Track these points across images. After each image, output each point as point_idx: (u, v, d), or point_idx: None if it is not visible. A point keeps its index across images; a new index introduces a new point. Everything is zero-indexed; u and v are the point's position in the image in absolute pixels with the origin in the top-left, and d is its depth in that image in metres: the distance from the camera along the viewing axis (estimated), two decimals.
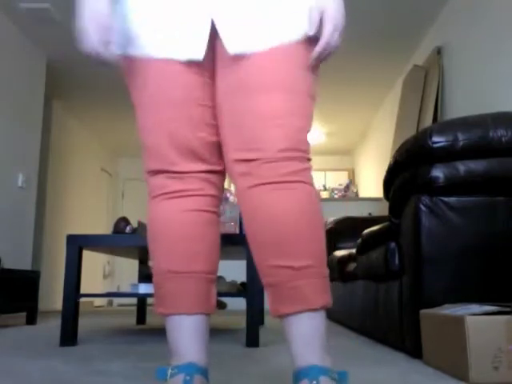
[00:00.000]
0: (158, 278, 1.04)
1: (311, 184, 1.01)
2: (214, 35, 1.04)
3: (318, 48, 1.00)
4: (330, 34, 0.99)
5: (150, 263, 1.17)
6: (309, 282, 0.96)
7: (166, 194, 1.05)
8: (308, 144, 1.03)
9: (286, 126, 0.98)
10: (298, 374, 0.93)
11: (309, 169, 1.02)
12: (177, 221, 1.03)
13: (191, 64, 1.03)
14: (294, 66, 1.00)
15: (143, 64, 1.04)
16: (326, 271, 1.00)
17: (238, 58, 1.00)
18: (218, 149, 1.08)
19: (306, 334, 0.95)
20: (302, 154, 1.00)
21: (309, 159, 1.03)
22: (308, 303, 0.96)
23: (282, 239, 0.97)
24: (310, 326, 0.96)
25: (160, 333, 2.73)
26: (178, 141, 1.04)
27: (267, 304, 1.02)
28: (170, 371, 0.96)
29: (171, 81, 1.02)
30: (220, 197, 1.11)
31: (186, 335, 0.99)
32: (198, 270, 1.02)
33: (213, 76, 1.07)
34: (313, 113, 1.06)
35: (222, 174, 1.11)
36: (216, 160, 1.08)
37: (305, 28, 1.01)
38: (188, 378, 0.93)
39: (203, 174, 1.07)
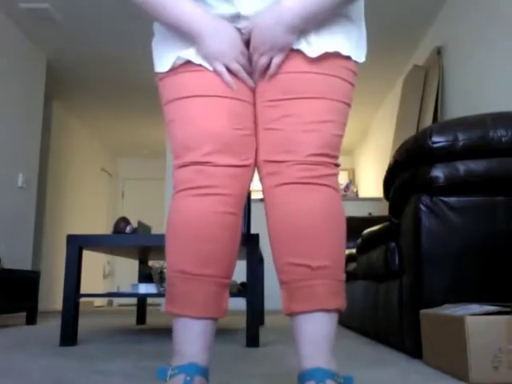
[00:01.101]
0: (171, 275, 1.00)
1: (336, 189, 1.04)
2: None
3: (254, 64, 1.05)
4: (255, 55, 1.02)
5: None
6: (324, 282, 0.97)
7: (190, 189, 1.00)
8: (339, 150, 1.06)
9: (323, 131, 1.01)
10: (304, 375, 0.93)
11: (336, 174, 1.05)
12: (196, 221, 0.99)
13: None
14: (336, 74, 1.03)
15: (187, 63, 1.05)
16: (343, 275, 1.01)
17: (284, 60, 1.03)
18: (252, 145, 1.06)
19: (316, 335, 0.95)
20: (332, 159, 1.03)
21: (337, 165, 1.06)
22: (321, 303, 0.96)
23: (301, 237, 0.98)
24: (321, 326, 0.96)
25: (160, 333, 2.73)
26: (215, 133, 1.02)
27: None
28: (170, 371, 0.95)
29: (214, 74, 1.03)
30: (245, 194, 1.06)
31: (192, 338, 0.97)
32: (212, 274, 0.98)
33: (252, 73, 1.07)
34: (347, 119, 1.10)
35: (250, 168, 1.06)
36: (247, 155, 1.05)
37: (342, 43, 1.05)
38: (188, 378, 0.92)
39: (232, 169, 1.02)
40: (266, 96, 1.04)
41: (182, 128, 1.05)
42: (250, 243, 2.19)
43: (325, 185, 1.01)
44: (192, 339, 0.97)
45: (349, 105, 1.07)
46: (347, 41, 1.04)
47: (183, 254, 0.99)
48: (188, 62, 1.03)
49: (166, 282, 1.03)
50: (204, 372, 0.95)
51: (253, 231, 2.95)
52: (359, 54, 1.07)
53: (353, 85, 1.08)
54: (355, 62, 1.07)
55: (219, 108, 1.02)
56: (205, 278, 0.98)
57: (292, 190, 1.00)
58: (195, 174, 1.01)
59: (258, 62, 1.03)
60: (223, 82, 1.03)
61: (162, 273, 2.58)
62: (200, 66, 1.03)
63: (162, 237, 2.23)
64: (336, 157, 1.05)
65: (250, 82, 1.05)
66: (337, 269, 0.99)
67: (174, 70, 1.05)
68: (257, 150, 1.06)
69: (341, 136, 1.06)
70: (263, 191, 1.06)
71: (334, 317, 0.98)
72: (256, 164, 1.07)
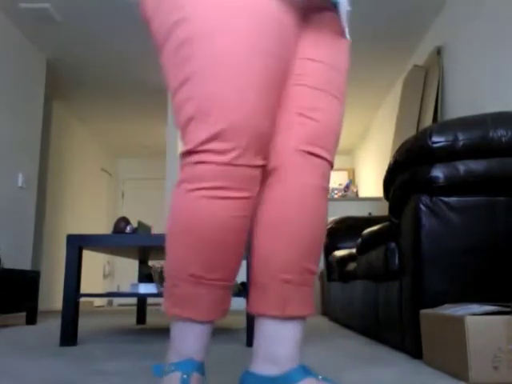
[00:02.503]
0: (176, 274, 0.92)
1: None
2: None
3: None
4: None
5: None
6: (312, 288, 1.01)
7: (211, 189, 0.88)
8: None
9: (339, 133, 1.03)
10: (295, 374, 0.94)
11: None
12: (213, 226, 0.89)
13: None
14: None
15: None
16: None
17: (336, 39, 1.00)
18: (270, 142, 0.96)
19: (299, 338, 0.98)
20: None
21: None
22: (312, 309, 1.00)
23: (316, 242, 0.99)
24: (302, 330, 0.99)
25: (160, 333, 2.73)
26: (258, 121, 0.88)
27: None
28: (166, 368, 0.93)
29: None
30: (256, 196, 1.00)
31: (193, 339, 0.94)
32: (221, 278, 0.93)
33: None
34: None
35: (264, 169, 0.99)
36: (268, 154, 0.97)
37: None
38: (185, 376, 0.90)
39: (259, 171, 0.92)
40: (311, 74, 0.97)
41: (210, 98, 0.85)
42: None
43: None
44: (192, 340, 0.94)
45: None
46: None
47: (194, 257, 0.91)
48: None
49: (165, 281, 0.97)
50: (201, 367, 0.95)
51: None
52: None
53: None
54: None
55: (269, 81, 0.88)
56: (214, 282, 0.92)
57: (320, 195, 0.99)
58: (220, 173, 0.87)
59: None
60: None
61: (161, 273, 2.58)
62: None
63: (162, 237, 2.23)
64: None
65: None
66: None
67: None
68: (285, 137, 0.97)
69: None
70: (288, 183, 0.97)
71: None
72: (276, 153, 0.98)
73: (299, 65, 0.98)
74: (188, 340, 0.94)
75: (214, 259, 0.91)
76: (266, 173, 1.00)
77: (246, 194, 0.90)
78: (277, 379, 0.94)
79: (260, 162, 0.91)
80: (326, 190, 1.02)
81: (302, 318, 0.99)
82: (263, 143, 0.90)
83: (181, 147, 0.91)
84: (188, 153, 0.89)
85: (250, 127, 0.86)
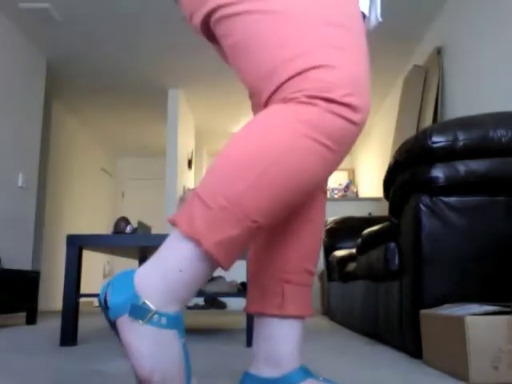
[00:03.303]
0: (234, 211, 0.74)
1: None
2: None
3: None
4: None
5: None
6: (311, 289, 1.02)
7: (322, 145, 0.77)
8: None
9: None
10: (296, 375, 0.94)
11: None
12: (309, 175, 0.77)
13: None
14: None
15: None
16: None
17: None
18: None
19: (299, 339, 0.98)
20: None
21: None
22: (310, 310, 1.00)
23: (315, 245, 1.01)
24: (302, 331, 0.99)
25: None
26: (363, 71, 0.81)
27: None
28: (150, 313, 0.72)
29: None
30: None
31: (199, 283, 0.77)
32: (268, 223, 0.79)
33: None
34: None
35: None
36: None
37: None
38: (184, 340, 0.76)
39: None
40: None
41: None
42: None
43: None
44: (199, 283, 0.77)
45: None
46: None
47: (268, 201, 0.76)
48: None
49: (208, 199, 0.75)
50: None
51: None
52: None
53: None
54: None
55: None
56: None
57: (316, 199, 1.05)
58: (346, 133, 0.77)
59: None
60: None
61: None
62: None
63: (162, 237, 2.23)
64: None
65: None
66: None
67: None
68: None
69: None
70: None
71: None
72: None
73: None
74: (195, 283, 0.76)
75: (284, 209, 0.78)
76: None
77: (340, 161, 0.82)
78: (277, 381, 0.94)
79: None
80: (324, 193, 1.05)
81: (301, 317, 0.98)
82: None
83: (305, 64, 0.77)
84: (329, 100, 0.76)
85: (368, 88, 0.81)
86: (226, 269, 0.76)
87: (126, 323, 0.72)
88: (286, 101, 0.77)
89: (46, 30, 4.38)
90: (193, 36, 4.54)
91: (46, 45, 4.66)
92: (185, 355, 0.75)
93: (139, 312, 0.72)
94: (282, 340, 0.96)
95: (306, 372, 0.95)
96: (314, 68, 0.76)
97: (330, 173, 0.81)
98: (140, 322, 0.72)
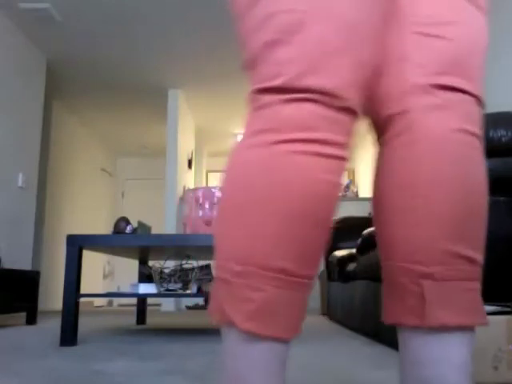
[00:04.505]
0: (254, 270, 0.58)
1: None
2: None
3: None
4: None
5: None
6: (479, 287, 0.66)
7: (306, 142, 0.59)
8: None
9: None
10: None
11: None
12: (303, 191, 0.59)
13: None
14: None
15: None
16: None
17: None
18: None
19: (463, 360, 0.63)
20: None
21: None
22: (483, 316, 0.65)
23: (473, 214, 0.65)
24: (471, 348, 0.65)
25: (160, 333, 2.73)
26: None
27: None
28: None
29: None
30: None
31: (276, 367, 0.60)
32: (312, 274, 0.62)
33: None
34: None
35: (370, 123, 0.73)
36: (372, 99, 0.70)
37: None
38: None
39: (354, 120, 0.63)
40: None
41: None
42: None
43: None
44: (273, 368, 0.60)
45: None
46: None
47: (283, 242, 0.58)
48: None
49: (224, 278, 0.61)
50: None
51: None
52: None
53: None
54: None
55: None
56: (307, 281, 0.62)
57: (465, 143, 0.65)
58: (322, 119, 0.59)
59: None
60: None
61: (162, 273, 2.58)
62: None
63: (162, 237, 2.23)
64: None
65: None
66: (481, 269, 0.67)
67: None
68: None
69: None
70: (429, 134, 0.65)
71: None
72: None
73: None
74: (265, 370, 0.59)
75: (308, 245, 0.60)
76: (380, 127, 0.71)
77: (345, 154, 0.62)
78: None
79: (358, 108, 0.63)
80: (477, 137, 0.67)
81: (460, 328, 0.64)
82: (364, 80, 0.63)
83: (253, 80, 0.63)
84: (273, 90, 0.60)
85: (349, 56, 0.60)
86: (286, 339, 0.60)
87: None
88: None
89: (46, 29, 4.38)
90: (193, 36, 4.54)
91: (46, 45, 4.66)
92: None
93: None
94: (433, 361, 0.64)
95: None
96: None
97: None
98: None
